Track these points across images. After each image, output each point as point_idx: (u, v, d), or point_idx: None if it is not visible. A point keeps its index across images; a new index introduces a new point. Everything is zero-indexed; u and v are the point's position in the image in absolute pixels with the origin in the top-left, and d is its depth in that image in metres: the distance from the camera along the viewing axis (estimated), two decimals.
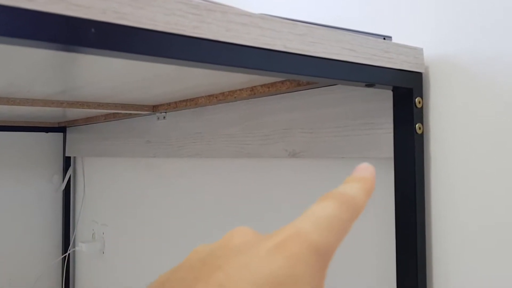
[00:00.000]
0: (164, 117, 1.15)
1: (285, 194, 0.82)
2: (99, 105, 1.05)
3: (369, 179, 0.26)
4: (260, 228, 0.87)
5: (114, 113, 1.35)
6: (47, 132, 1.83)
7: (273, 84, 0.75)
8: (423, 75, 0.60)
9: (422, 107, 0.58)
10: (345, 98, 0.68)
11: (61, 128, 1.86)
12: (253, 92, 0.79)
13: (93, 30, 0.34)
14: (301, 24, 0.46)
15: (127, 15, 0.35)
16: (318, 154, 0.71)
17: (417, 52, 0.57)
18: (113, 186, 1.56)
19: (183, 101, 1.00)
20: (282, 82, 0.73)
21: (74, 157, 1.90)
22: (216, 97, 0.89)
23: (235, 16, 0.41)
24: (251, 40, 0.42)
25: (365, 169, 0.27)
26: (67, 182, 1.86)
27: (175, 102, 1.04)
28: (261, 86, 0.77)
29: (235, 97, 0.84)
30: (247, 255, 0.21)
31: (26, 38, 0.31)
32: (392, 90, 0.59)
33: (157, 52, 0.37)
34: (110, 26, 0.34)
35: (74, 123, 1.68)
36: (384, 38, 0.55)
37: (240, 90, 0.83)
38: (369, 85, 0.54)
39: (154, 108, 1.13)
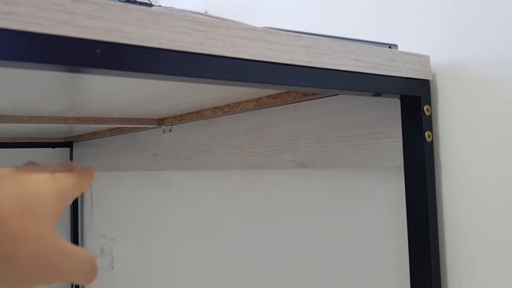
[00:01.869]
0: (170, 130, 1.15)
1: (293, 205, 0.81)
2: (105, 120, 1.05)
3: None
4: (269, 239, 0.87)
5: (120, 127, 1.35)
6: (54, 147, 1.84)
7: (278, 95, 0.75)
8: (431, 83, 0.59)
9: (430, 114, 0.58)
10: (352, 107, 0.67)
11: (67, 143, 1.86)
12: (258, 103, 0.79)
13: (98, 50, 0.34)
14: (306, 36, 0.46)
15: (132, 35, 0.35)
16: (326, 164, 0.70)
17: (424, 59, 0.57)
18: (120, 200, 1.55)
19: (189, 113, 1.00)
20: (287, 92, 0.73)
21: None
22: (221, 109, 0.89)
23: (240, 31, 0.41)
24: (257, 54, 0.42)
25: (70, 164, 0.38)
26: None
27: (181, 115, 1.04)
28: (267, 97, 0.77)
29: (240, 109, 0.83)
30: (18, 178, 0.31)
31: (33, 62, 0.31)
32: (400, 99, 0.58)
33: (163, 70, 0.37)
34: (116, 46, 0.34)
35: (81, 138, 1.69)
36: (389, 47, 0.55)
37: (245, 101, 0.83)
38: (376, 94, 0.53)
39: (160, 122, 1.13)
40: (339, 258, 0.72)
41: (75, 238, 1.86)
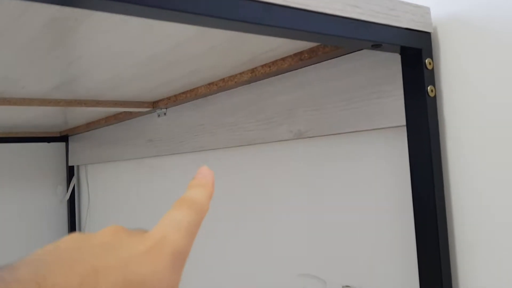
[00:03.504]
0: (165, 113, 1.13)
1: (294, 178, 0.78)
2: (97, 102, 1.02)
3: (210, 184, 0.30)
4: (272, 214, 0.84)
5: (114, 115, 1.32)
6: (49, 142, 1.81)
7: (273, 63, 0.72)
8: (432, 36, 0.56)
9: (433, 68, 0.55)
10: (349, 70, 0.65)
11: (63, 138, 1.84)
12: (253, 74, 0.76)
13: None
14: None
15: None
16: (325, 131, 0.68)
17: (424, 10, 0.54)
18: (117, 191, 1.53)
19: (183, 93, 0.98)
20: (283, 59, 0.71)
21: (78, 166, 1.88)
22: (216, 84, 0.86)
23: None
24: None
25: (206, 174, 0.31)
26: (72, 192, 1.84)
27: (175, 96, 1.01)
28: (262, 66, 0.75)
29: (235, 82, 0.81)
30: (119, 254, 0.24)
31: None
32: (400, 53, 0.56)
33: (156, 2, 0.34)
34: None
35: (76, 130, 1.66)
36: None
37: (240, 74, 0.80)
38: (376, 45, 0.50)
39: (154, 105, 1.10)
40: (344, 227, 0.70)
41: None
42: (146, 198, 1.32)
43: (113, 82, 0.83)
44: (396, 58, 0.58)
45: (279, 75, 0.77)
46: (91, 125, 1.51)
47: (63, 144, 1.89)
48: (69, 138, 1.84)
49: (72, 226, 1.83)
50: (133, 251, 0.24)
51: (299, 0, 0.43)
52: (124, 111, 1.25)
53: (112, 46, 0.60)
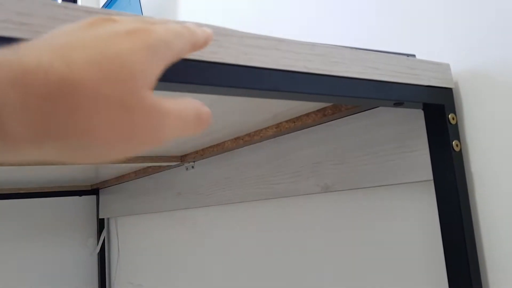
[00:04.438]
0: (193, 167, 1.15)
1: (322, 231, 0.78)
2: (129, 159, 1.06)
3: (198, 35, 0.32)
4: (301, 268, 0.83)
5: (144, 168, 1.36)
6: (80, 195, 1.86)
7: (298, 118, 0.74)
8: (454, 91, 0.57)
9: (456, 123, 0.55)
10: (373, 125, 0.66)
11: (94, 191, 1.88)
12: (278, 129, 0.78)
13: None
14: (321, 45, 0.45)
15: None
16: (352, 186, 0.68)
17: (444, 67, 0.55)
18: (147, 244, 1.54)
19: (210, 147, 1.00)
20: (307, 115, 0.72)
21: (108, 219, 1.91)
22: (242, 139, 0.88)
23: (252, 39, 0.41)
24: (271, 62, 0.41)
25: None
26: (102, 244, 1.86)
27: (202, 150, 1.03)
28: (286, 121, 0.76)
29: (261, 136, 0.83)
30: (98, 32, 0.25)
31: None
32: (423, 109, 0.57)
33: (176, 79, 0.37)
34: None
35: (106, 184, 1.70)
36: (407, 56, 0.54)
37: (265, 128, 0.82)
38: (398, 103, 0.52)
39: (182, 159, 1.13)
40: (372, 283, 0.68)
41: (102, 286, 1.84)
42: (176, 250, 1.32)
43: None
44: (420, 112, 0.59)
45: (304, 129, 0.79)
46: (121, 179, 1.54)
47: (94, 197, 1.93)
48: (100, 191, 1.88)
49: (102, 278, 1.84)
50: (113, 30, 0.25)
51: (321, 67, 0.45)
52: (153, 165, 1.29)
53: None
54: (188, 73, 0.37)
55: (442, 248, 0.54)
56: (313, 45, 0.45)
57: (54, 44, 0.24)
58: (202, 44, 0.32)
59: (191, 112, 0.29)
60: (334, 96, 0.46)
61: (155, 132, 0.26)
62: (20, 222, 1.79)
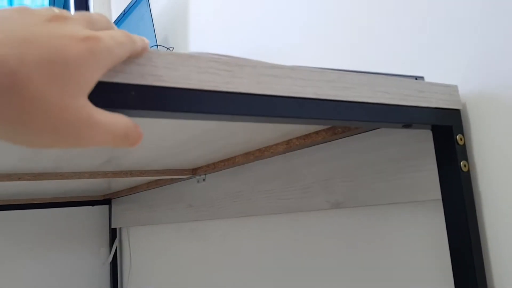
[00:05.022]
0: (204, 180, 1.17)
1: (330, 246, 0.79)
2: (142, 172, 1.08)
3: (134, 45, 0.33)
4: (311, 283, 0.84)
5: (155, 181, 1.38)
6: (93, 205, 1.88)
7: (308, 136, 0.75)
8: (462, 112, 0.58)
9: (464, 144, 0.57)
10: (383, 143, 0.67)
11: (106, 201, 1.91)
12: (289, 146, 0.80)
13: (133, 93, 0.36)
14: (330, 71, 0.47)
15: (163, 77, 0.37)
16: (361, 203, 0.69)
17: (452, 89, 0.57)
18: (158, 253, 1.56)
19: (221, 161, 1.02)
20: (316, 132, 0.74)
21: (120, 228, 1.93)
22: (253, 154, 0.90)
23: (265, 69, 0.43)
24: (282, 90, 0.43)
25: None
26: (114, 253, 1.88)
27: (214, 164, 1.05)
28: (297, 138, 0.78)
29: (271, 152, 0.84)
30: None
31: None
32: (432, 130, 0.58)
33: (193, 108, 0.39)
34: (149, 88, 0.36)
35: (119, 194, 1.73)
36: (416, 79, 0.55)
37: (276, 144, 0.84)
38: (407, 125, 0.53)
39: (194, 172, 1.15)
40: None
41: None
42: (187, 261, 1.34)
43: (155, 157, 0.88)
44: (428, 132, 0.60)
45: (314, 146, 0.80)
46: (133, 189, 1.57)
47: (106, 207, 1.96)
48: (112, 201, 1.91)
49: (115, 287, 1.86)
50: (67, 34, 0.27)
51: (330, 92, 0.46)
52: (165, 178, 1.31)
53: (153, 133, 0.65)
54: (203, 103, 0.39)
55: (451, 266, 0.55)
56: (322, 71, 0.46)
57: (11, 37, 0.26)
58: (140, 52, 0.35)
59: (120, 128, 0.32)
60: (343, 120, 0.47)
61: (80, 137, 0.29)
62: (34, 232, 1.82)
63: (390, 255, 0.68)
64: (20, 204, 1.70)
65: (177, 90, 0.38)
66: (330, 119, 0.46)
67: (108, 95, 0.34)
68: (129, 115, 0.37)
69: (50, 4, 2.40)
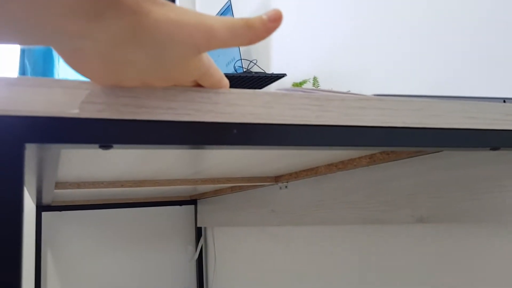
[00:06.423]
0: (286, 187, 1.21)
1: (412, 261, 0.79)
2: (227, 180, 1.15)
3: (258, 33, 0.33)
4: None
5: (239, 185, 1.45)
6: (180, 205, 2.01)
7: (392, 152, 0.76)
8: None
9: None
10: (470, 161, 0.66)
11: (192, 201, 2.02)
12: (372, 160, 0.81)
13: (235, 131, 0.40)
14: (418, 100, 0.48)
15: (261, 115, 0.41)
16: (447, 219, 0.69)
17: None
18: (241, 254, 1.63)
19: (304, 171, 1.05)
20: None
21: (205, 228, 2.04)
22: (336, 166, 0.92)
23: (353, 101, 0.45)
24: (370, 120, 0.46)
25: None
26: (200, 251, 1.99)
27: (296, 173, 1.09)
28: (380, 153, 0.79)
29: (354, 165, 0.86)
30: None
31: (185, 144, 0.39)
32: None
33: (286, 142, 0.42)
34: (248, 126, 0.41)
35: (204, 195, 1.83)
36: (504, 101, 0.55)
37: (359, 158, 0.85)
38: (494, 148, 0.53)
39: (276, 179, 1.19)
40: None
41: None
42: (268, 263, 1.39)
43: (241, 168, 0.94)
44: None
45: (397, 161, 0.81)
46: (217, 192, 1.66)
47: (192, 206, 2.08)
48: (198, 201, 2.02)
49: (201, 284, 1.97)
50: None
51: (419, 120, 0.48)
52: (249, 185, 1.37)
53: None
54: (296, 135, 0.43)
55: None
56: (410, 101, 0.48)
57: None
58: (261, 37, 0.33)
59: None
60: (431, 146, 0.48)
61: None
62: (127, 229, 1.98)
63: (474, 273, 0.68)
64: (117, 203, 1.87)
65: (273, 126, 0.42)
66: (416, 146, 0.48)
67: (214, 134, 0.39)
68: (231, 149, 0.42)
69: None
